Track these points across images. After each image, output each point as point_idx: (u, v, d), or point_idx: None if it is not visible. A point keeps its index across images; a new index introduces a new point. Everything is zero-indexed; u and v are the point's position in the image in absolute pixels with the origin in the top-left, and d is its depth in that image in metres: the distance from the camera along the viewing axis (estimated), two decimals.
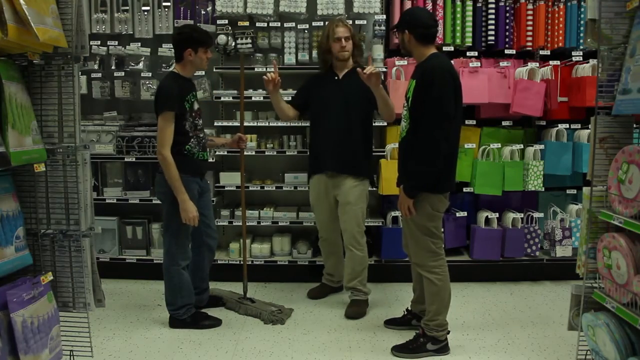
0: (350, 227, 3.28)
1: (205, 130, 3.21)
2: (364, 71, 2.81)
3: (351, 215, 3.27)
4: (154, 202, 3.90)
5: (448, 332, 2.81)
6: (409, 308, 3.12)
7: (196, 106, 3.04)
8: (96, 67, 3.89)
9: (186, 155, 2.95)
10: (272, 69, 3.15)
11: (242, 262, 3.71)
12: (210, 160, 3.65)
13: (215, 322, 3.13)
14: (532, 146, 3.83)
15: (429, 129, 2.55)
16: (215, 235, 3.30)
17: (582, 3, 3.73)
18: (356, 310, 3.29)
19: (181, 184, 2.86)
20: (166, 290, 3.06)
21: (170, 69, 3.09)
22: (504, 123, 3.89)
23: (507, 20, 3.80)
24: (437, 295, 2.73)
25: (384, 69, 3.79)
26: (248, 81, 3.92)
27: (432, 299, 2.75)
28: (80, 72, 2.60)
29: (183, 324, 3.07)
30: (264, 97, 3.81)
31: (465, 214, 3.93)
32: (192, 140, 2.99)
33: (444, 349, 2.78)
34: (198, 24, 3.79)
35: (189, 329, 3.07)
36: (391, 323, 3.13)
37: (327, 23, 3.37)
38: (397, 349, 2.79)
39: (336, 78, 3.30)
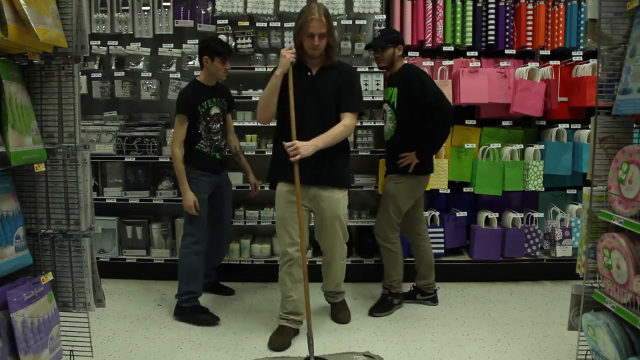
0: (341, 241, 3.01)
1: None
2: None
3: (341, 229, 2.99)
4: (154, 202, 3.90)
5: None
6: (415, 284, 3.49)
7: (214, 111, 3.26)
8: (96, 67, 3.89)
9: (196, 151, 3.23)
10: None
11: (241, 262, 3.72)
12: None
13: (212, 320, 3.17)
14: (532, 146, 3.83)
15: (439, 112, 3.06)
16: (228, 230, 3.55)
17: (582, 3, 3.73)
18: (347, 313, 3.24)
19: (184, 177, 3.15)
20: (178, 274, 3.24)
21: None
22: (504, 123, 3.89)
23: (507, 20, 3.81)
24: (396, 260, 3.33)
25: None
26: (248, 81, 3.92)
27: (392, 263, 3.33)
28: (80, 72, 2.59)
29: (183, 313, 3.20)
30: None
31: (465, 214, 3.93)
32: (202, 141, 3.23)
33: (400, 297, 3.41)
34: (198, 24, 3.80)
35: (188, 329, 3.08)
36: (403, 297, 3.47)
37: (304, 9, 2.84)
38: (374, 311, 3.31)
39: (309, 74, 2.89)
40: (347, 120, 2.86)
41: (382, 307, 3.34)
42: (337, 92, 2.87)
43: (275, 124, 3.10)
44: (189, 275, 3.18)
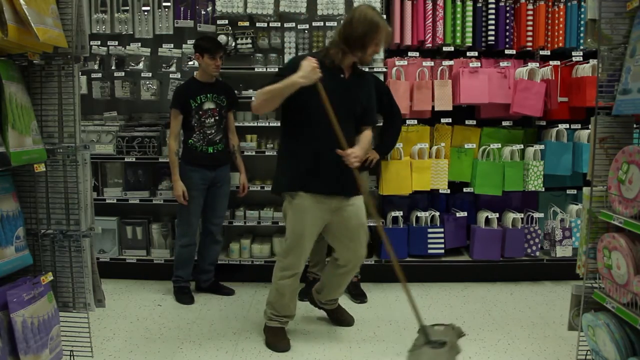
0: (363, 251, 2.92)
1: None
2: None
3: (365, 237, 2.91)
4: (154, 202, 3.91)
5: None
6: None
7: (207, 106, 3.43)
8: (96, 67, 3.89)
9: (189, 147, 3.44)
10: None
11: (241, 262, 3.71)
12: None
13: (188, 301, 3.51)
14: (532, 146, 3.83)
15: (399, 117, 3.55)
16: (217, 222, 3.60)
17: (582, 3, 3.73)
18: (349, 314, 3.22)
19: (175, 167, 3.41)
20: None
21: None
22: (504, 123, 3.89)
23: (507, 21, 3.80)
24: None
25: (384, 69, 3.79)
26: (248, 81, 3.92)
27: None
28: (80, 72, 2.59)
29: (174, 290, 3.60)
30: None
31: (465, 214, 3.93)
32: (195, 134, 3.42)
33: None
34: (198, 25, 3.81)
35: (188, 329, 3.09)
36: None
37: (374, 23, 2.58)
38: (363, 298, 3.51)
39: (342, 76, 2.69)
40: (370, 131, 2.82)
41: (363, 294, 3.56)
42: (366, 101, 2.77)
43: (278, 123, 3.18)
44: (178, 263, 3.57)
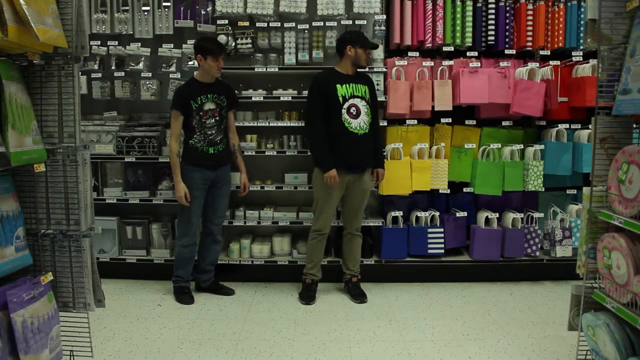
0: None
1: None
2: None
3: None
4: (154, 202, 3.91)
5: None
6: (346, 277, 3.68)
7: (208, 107, 3.44)
8: (96, 67, 3.89)
9: (190, 147, 3.44)
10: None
11: (241, 262, 3.69)
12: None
13: (188, 301, 3.51)
14: (532, 146, 3.83)
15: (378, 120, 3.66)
16: (218, 222, 3.62)
17: (582, 3, 3.73)
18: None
19: (177, 168, 3.40)
20: None
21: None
22: (504, 123, 3.89)
23: (507, 21, 3.81)
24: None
25: (384, 69, 3.79)
26: (248, 81, 3.92)
27: (360, 250, 3.68)
28: (80, 72, 2.59)
29: (174, 290, 3.60)
30: (264, 97, 3.81)
31: (465, 214, 3.93)
32: (196, 135, 3.42)
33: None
34: (198, 25, 3.81)
35: (188, 329, 3.09)
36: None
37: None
38: (363, 298, 3.53)
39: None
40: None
41: (363, 295, 3.57)
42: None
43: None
44: (178, 262, 3.57)
